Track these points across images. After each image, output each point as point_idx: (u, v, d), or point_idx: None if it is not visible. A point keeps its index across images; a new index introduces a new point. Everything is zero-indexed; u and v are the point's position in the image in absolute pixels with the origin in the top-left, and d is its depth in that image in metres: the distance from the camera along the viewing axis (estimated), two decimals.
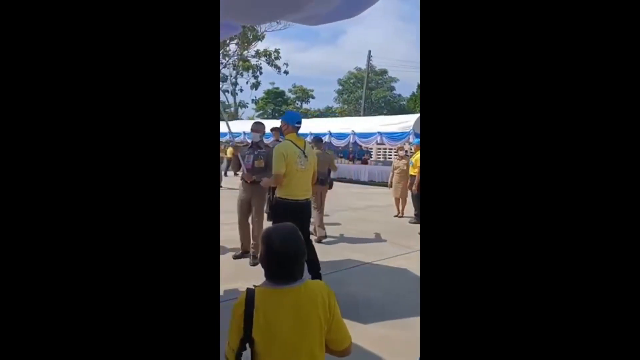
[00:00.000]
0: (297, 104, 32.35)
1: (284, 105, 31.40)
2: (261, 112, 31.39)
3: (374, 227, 4.95)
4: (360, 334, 1.98)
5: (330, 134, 11.29)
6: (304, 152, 2.54)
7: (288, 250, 0.98)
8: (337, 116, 23.28)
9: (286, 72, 27.39)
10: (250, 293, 0.99)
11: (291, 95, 32.61)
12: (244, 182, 3.34)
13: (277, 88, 32.05)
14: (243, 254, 3.47)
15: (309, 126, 12.84)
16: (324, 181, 4.38)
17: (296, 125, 2.60)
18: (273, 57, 25.92)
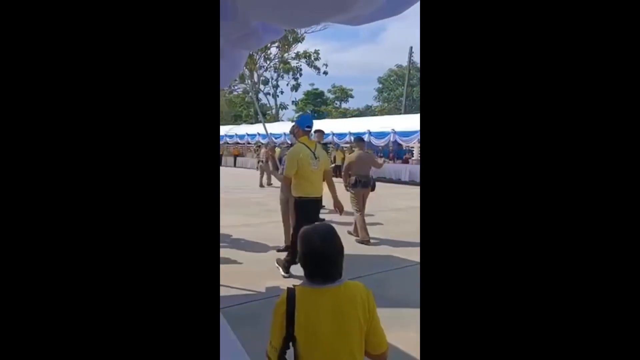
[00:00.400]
0: (336, 103, 32.39)
1: (323, 106, 31.58)
2: (300, 113, 31.85)
3: (417, 229, 4.81)
4: (399, 337, 1.93)
5: (370, 133, 11.17)
6: (314, 154, 2.75)
7: (327, 250, 0.98)
8: (377, 115, 22.94)
9: (325, 73, 27.53)
10: (291, 292, 1.00)
11: (330, 96, 32.73)
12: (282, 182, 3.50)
13: (317, 89, 32.34)
14: (286, 248, 3.57)
15: (348, 126, 12.79)
16: (366, 183, 4.08)
17: (306, 129, 2.80)
18: (313, 59, 26.18)
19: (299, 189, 2.75)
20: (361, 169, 4.15)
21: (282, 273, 2.97)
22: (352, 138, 4.90)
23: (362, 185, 4.05)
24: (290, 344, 0.98)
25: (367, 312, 0.97)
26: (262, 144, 12.42)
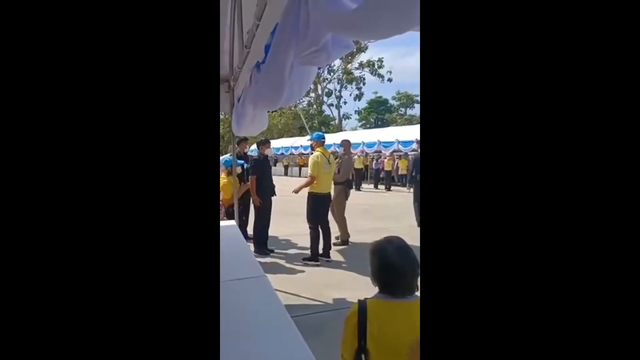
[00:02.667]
0: (401, 110, 31.59)
1: (387, 114, 31.06)
2: (364, 122, 31.74)
3: None
4: None
5: None
6: (328, 160, 3.77)
7: (405, 263, 0.96)
8: None
9: (390, 80, 27.14)
10: (362, 304, 1.00)
11: (395, 103, 32.08)
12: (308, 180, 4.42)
13: (380, 97, 31.97)
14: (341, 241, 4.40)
15: (414, 133, 12.35)
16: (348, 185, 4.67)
17: (322, 140, 3.91)
18: (376, 67, 26.05)
19: (314, 186, 3.68)
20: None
21: (314, 263, 3.60)
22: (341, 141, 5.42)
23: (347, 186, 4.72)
24: (363, 356, 0.97)
25: None
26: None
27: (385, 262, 0.97)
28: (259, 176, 3.90)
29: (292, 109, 26.06)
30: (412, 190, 5.69)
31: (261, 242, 4.00)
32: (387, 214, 6.86)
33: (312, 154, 3.93)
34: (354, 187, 11.49)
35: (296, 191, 3.96)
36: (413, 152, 11.75)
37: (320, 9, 0.94)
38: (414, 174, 6.08)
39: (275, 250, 4.10)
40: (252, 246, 3.94)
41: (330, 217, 3.91)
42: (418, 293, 0.97)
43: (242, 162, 4.14)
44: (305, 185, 3.80)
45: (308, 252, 3.71)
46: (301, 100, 27.55)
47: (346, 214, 4.58)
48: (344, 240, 4.41)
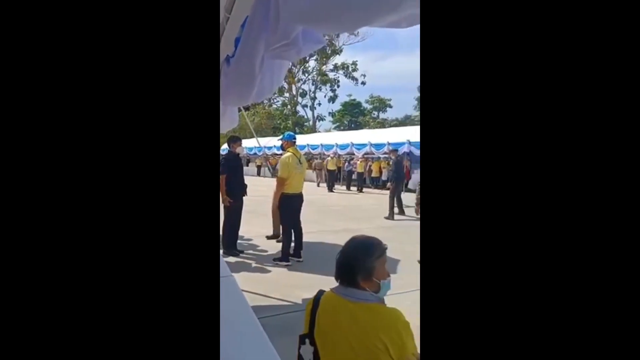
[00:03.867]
0: (374, 114, 32.18)
1: (361, 117, 31.51)
2: (338, 124, 32.02)
3: None
4: None
5: (410, 143, 10.91)
6: (299, 160, 3.71)
7: (346, 253, 1.00)
8: (417, 124, 22.46)
9: (363, 83, 27.58)
10: (319, 293, 1.04)
11: (368, 106, 32.62)
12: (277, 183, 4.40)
13: (354, 100, 32.40)
14: (274, 236, 4.37)
15: (386, 136, 12.61)
16: None
17: (293, 141, 3.81)
18: (350, 70, 26.38)
19: (287, 187, 3.58)
20: None
21: (285, 264, 3.52)
22: (389, 149, 5.42)
23: None
24: (308, 342, 1.00)
25: (397, 346, 0.90)
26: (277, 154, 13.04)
27: (341, 250, 1.02)
28: (229, 175, 3.80)
29: (266, 108, 25.82)
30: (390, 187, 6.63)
31: (230, 242, 3.91)
32: (359, 215, 6.95)
33: (282, 154, 3.85)
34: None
35: (276, 205, 3.75)
36: (385, 155, 11.97)
37: (290, 1, 0.93)
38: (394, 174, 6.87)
39: (245, 251, 4.02)
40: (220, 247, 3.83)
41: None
42: (370, 297, 0.96)
43: None
44: (279, 191, 3.65)
45: (279, 252, 3.67)
46: (275, 100, 27.37)
47: (318, 215, 4.58)
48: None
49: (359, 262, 0.97)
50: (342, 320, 0.95)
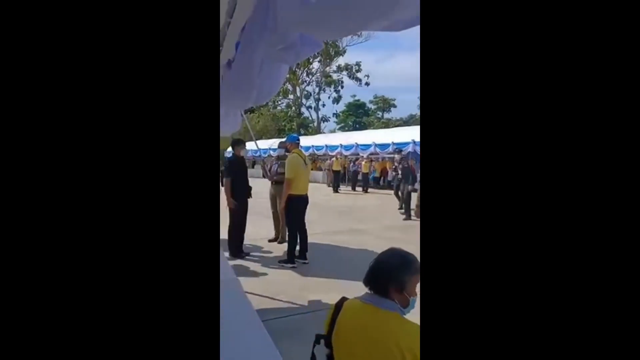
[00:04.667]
0: (378, 114, 32.11)
1: (365, 117, 31.47)
2: (342, 125, 32.00)
3: None
4: None
5: (415, 142, 10.86)
6: (304, 161, 3.68)
7: (381, 261, 1.00)
8: None
9: (367, 84, 27.53)
10: (342, 300, 1.04)
11: (372, 106, 32.56)
12: (272, 183, 4.43)
13: (358, 100, 32.36)
14: (275, 239, 4.49)
15: (391, 136, 12.55)
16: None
17: (297, 142, 3.87)
18: (354, 70, 26.36)
19: (292, 188, 3.53)
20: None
21: (290, 265, 3.54)
22: (395, 149, 5.42)
23: None
24: (323, 343, 1.01)
25: (415, 358, 0.89)
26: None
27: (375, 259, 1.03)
28: (234, 178, 3.82)
29: (271, 110, 25.92)
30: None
31: (235, 245, 3.93)
32: (365, 215, 6.93)
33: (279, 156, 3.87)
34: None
35: (284, 207, 3.63)
36: (390, 155, 11.94)
37: (288, 5, 0.93)
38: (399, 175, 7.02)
39: (251, 253, 4.03)
40: (226, 252, 3.85)
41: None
42: (397, 308, 0.96)
43: None
44: (286, 193, 3.57)
45: (285, 254, 3.68)
46: (280, 102, 27.45)
47: (324, 215, 4.59)
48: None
49: (396, 273, 0.97)
50: (364, 326, 0.96)
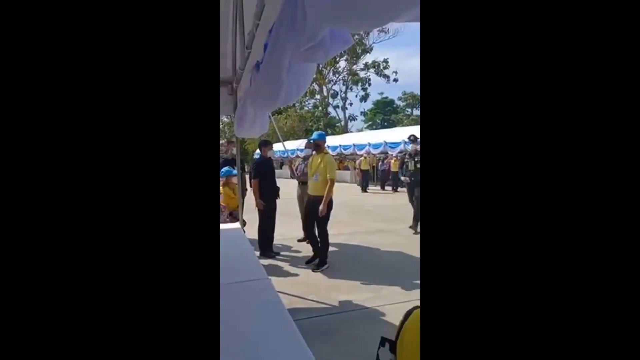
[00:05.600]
0: (407, 110, 31.45)
1: (393, 114, 30.93)
2: (370, 123, 31.66)
3: None
4: None
5: None
6: None
7: None
8: None
9: (395, 80, 27.04)
10: (413, 308, 1.03)
11: (400, 103, 31.95)
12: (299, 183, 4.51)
13: (386, 97, 31.87)
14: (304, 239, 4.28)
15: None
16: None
17: (325, 140, 3.73)
18: (382, 68, 25.98)
19: (329, 190, 3.37)
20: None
21: (323, 267, 3.45)
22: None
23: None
24: (388, 346, 1.00)
25: None
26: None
27: None
28: (261, 179, 3.88)
29: (298, 111, 26.14)
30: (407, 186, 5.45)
31: (265, 244, 3.98)
32: (393, 215, 6.80)
33: (313, 154, 3.67)
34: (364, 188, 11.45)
35: (323, 211, 3.38)
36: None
37: (316, 1, 0.92)
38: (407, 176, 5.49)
39: (281, 253, 4.07)
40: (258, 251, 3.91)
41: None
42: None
43: (228, 169, 3.65)
44: (329, 195, 3.36)
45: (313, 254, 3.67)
46: (307, 103, 27.59)
47: (353, 216, 4.54)
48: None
49: None
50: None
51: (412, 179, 5.30)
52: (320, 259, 3.53)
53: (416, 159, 5.22)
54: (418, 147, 5.24)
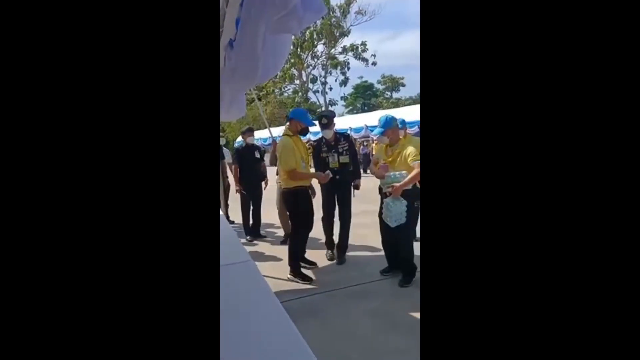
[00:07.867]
0: (387, 94, 31.54)
1: (373, 98, 30.98)
2: (350, 107, 31.62)
3: None
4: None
5: None
6: None
7: None
8: None
9: (374, 64, 26.95)
10: None
11: (380, 87, 31.98)
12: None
13: (366, 81, 31.83)
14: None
15: (402, 114, 12.34)
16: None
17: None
18: (360, 51, 25.80)
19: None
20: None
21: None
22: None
23: None
24: None
25: None
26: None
27: None
28: (241, 166, 4.04)
29: (278, 97, 25.73)
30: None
31: (249, 227, 4.14)
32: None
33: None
34: None
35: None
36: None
37: None
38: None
39: (267, 238, 4.11)
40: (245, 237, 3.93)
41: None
42: None
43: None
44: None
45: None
46: (286, 89, 27.20)
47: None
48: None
49: None
50: None
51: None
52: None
53: None
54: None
